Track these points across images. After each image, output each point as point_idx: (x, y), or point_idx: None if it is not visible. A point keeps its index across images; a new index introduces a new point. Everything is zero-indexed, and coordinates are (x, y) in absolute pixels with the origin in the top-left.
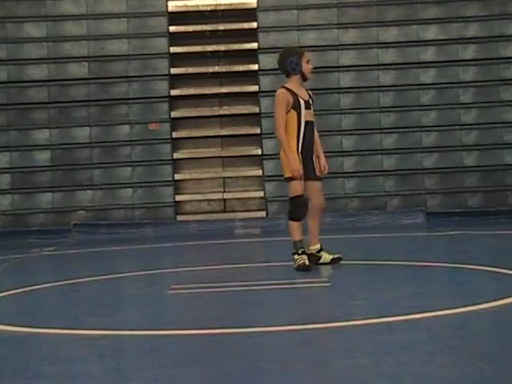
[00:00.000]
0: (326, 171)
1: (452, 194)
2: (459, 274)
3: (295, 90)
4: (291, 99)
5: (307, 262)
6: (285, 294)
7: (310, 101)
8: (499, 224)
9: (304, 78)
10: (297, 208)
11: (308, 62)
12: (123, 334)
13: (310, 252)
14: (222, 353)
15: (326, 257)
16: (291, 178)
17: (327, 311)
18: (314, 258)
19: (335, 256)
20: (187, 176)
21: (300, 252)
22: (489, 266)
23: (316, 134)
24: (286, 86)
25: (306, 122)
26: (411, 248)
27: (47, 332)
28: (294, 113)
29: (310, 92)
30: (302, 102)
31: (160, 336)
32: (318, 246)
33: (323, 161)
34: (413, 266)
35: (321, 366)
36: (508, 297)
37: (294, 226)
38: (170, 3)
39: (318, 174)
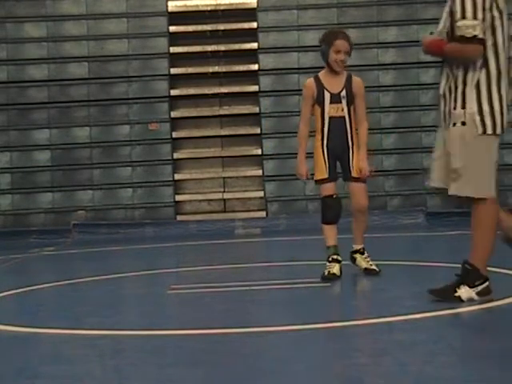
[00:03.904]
0: (364, 174)
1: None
2: None
3: (324, 80)
4: (315, 92)
5: (333, 271)
6: (285, 294)
7: (344, 93)
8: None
9: (331, 70)
10: (324, 209)
11: (338, 52)
12: (123, 334)
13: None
14: (222, 353)
15: (361, 263)
16: (317, 181)
17: (327, 311)
18: (352, 259)
19: (371, 267)
20: (187, 176)
21: (331, 259)
22: (489, 266)
23: (362, 132)
24: (319, 74)
25: (331, 118)
26: (411, 248)
27: (47, 332)
28: (317, 107)
29: (355, 82)
30: (327, 96)
31: (160, 336)
32: (356, 247)
33: (359, 162)
34: (413, 266)
35: (321, 365)
36: (508, 297)
37: (325, 229)
38: (169, 3)
39: (354, 174)
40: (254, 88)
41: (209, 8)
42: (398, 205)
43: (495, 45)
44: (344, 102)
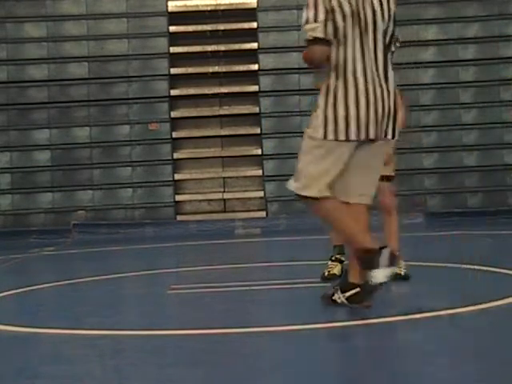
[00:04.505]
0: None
1: (452, 194)
2: (459, 274)
3: None
4: None
5: (333, 272)
6: (285, 294)
7: None
8: (499, 224)
9: None
10: None
11: None
12: (123, 334)
13: None
14: (222, 353)
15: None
16: None
17: (327, 311)
18: None
19: (399, 272)
20: (187, 176)
21: (334, 258)
22: (489, 266)
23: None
24: None
25: None
26: (411, 248)
27: (47, 332)
28: None
29: None
30: None
31: (160, 336)
32: None
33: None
34: (413, 266)
35: (321, 365)
36: (508, 297)
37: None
38: (169, 3)
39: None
40: (254, 88)
41: (209, 8)
42: (397, 205)
43: (344, 51)
44: None
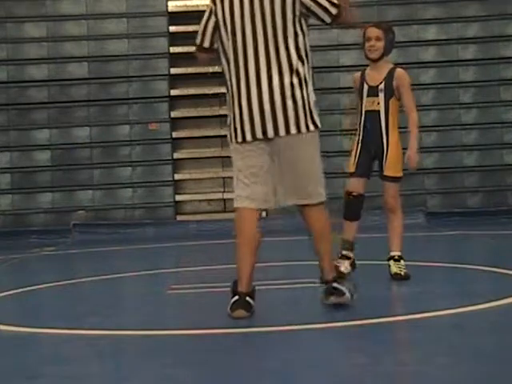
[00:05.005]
0: (412, 164)
1: (452, 194)
2: (459, 274)
3: (367, 73)
4: (359, 84)
5: (341, 269)
6: (285, 294)
7: (382, 86)
8: (499, 224)
9: (371, 61)
10: (343, 206)
11: (368, 39)
12: (123, 334)
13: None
14: (222, 353)
15: (393, 269)
16: (349, 174)
17: (327, 311)
18: (389, 266)
19: (399, 272)
20: (187, 176)
21: (340, 255)
22: (489, 266)
23: (409, 124)
24: (367, 68)
25: (367, 112)
26: (411, 248)
27: (47, 332)
28: (359, 101)
29: (397, 73)
30: (365, 88)
31: (160, 336)
32: (390, 254)
33: (408, 151)
34: (413, 266)
35: (321, 365)
36: (508, 297)
37: (344, 223)
38: (169, 3)
39: (385, 173)
40: None
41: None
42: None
43: (225, 55)
44: (381, 95)
